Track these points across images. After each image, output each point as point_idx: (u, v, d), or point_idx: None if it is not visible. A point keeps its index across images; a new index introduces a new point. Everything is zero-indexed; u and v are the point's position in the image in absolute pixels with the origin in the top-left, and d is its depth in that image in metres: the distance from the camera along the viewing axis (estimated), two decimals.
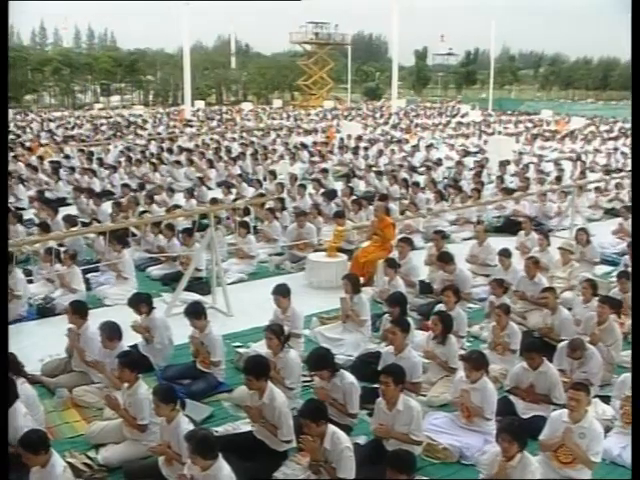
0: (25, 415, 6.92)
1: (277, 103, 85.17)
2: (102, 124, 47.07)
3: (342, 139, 34.56)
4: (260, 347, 8.88)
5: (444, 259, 11.55)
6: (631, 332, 8.49)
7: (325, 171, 22.73)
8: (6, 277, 8.32)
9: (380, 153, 29.03)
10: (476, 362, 7.45)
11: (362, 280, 11.40)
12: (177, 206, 16.74)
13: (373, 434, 7.17)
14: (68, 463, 6.50)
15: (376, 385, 7.42)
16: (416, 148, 31.04)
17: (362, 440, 7.39)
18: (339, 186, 20.15)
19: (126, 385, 7.47)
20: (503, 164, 24.45)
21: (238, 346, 9.88)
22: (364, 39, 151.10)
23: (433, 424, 7.64)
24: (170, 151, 29.15)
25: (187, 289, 11.68)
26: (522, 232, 14.28)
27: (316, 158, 27.52)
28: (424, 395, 8.34)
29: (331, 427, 6.37)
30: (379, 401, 7.08)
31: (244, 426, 7.69)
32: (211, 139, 36.25)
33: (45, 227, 13.80)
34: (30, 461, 6.03)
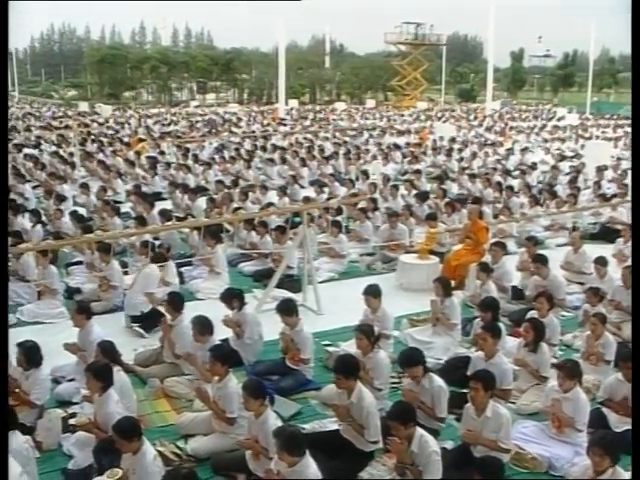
0: (117, 402, 7.13)
1: (370, 103, 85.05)
2: (197, 121, 47.93)
3: (435, 140, 34.34)
4: (350, 346, 8.89)
5: (539, 260, 11.33)
6: (631, 332, 8.25)
7: (418, 172, 22.63)
8: (6, 276, 8.45)
9: (474, 155, 28.68)
10: (570, 371, 7.29)
11: (453, 283, 11.29)
12: (270, 204, 16.91)
13: (461, 439, 7.09)
14: (158, 451, 6.61)
15: (465, 390, 7.36)
16: (510, 151, 30.57)
17: (449, 445, 7.32)
18: (432, 188, 20.01)
19: (216, 378, 7.58)
20: (600, 169, 23.79)
21: (327, 345, 9.91)
22: (459, 40, 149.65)
23: (522, 432, 7.50)
24: (264, 149, 29.48)
25: (278, 286, 11.79)
26: (620, 240, 13.90)
27: (409, 159, 27.38)
28: (513, 402, 8.20)
29: (419, 430, 6.33)
30: (468, 407, 7.00)
31: (331, 424, 7.72)
32: (304, 138, 36.45)
33: (142, 220, 14.13)
34: (123, 447, 6.18)
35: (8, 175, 16.98)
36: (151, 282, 11.15)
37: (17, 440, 6.42)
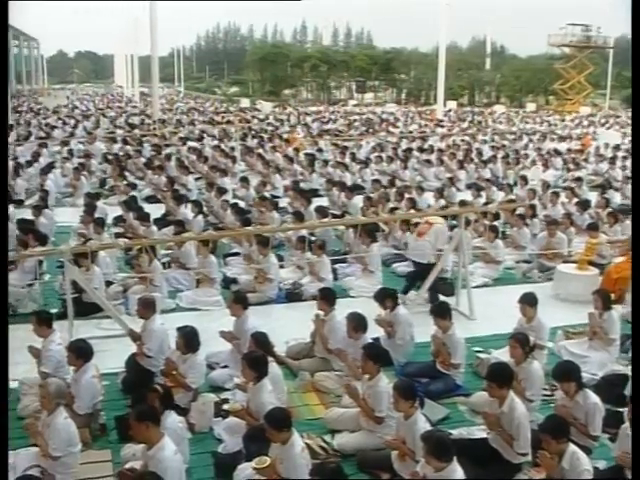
0: (270, 392, 7.30)
1: (530, 107, 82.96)
2: (355, 120, 48.27)
3: (598, 147, 33.09)
4: (502, 354, 8.77)
5: None
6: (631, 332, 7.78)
7: (579, 180, 21.89)
8: (6, 276, 8.56)
9: None
10: None
11: (613, 297, 10.87)
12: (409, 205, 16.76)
13: (615, 461, 6.81)
14: (305, 444, 6.68)
15: (620, 409, 7.09)
16: None
17: (601, 465, 7.04)
18: (593, 196, 19.33)
19: (367, 376, 7.63)
20: None
21: (478, 351, 9.80)
22: (627, 42, 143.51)
23: None
24: (421, 150, 29.35)
25: (431, 289, 11.74)
26: None
27: (570, 166, 26.57)
28: None
29: (571, 446, 6.16)
30: (625, 427, 6.70)
31: (479, 432, 7.60)
32: (462, 140, 36.03)
33: (299, 216, 14.40)
34: (273, 437, 6.32)
35: (7, 175, 17.46)
36: (442, 238, 11.77)
37: (172, 420, 6.74)
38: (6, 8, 8.47)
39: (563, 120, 59.09)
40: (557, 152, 30.04)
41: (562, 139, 38.94)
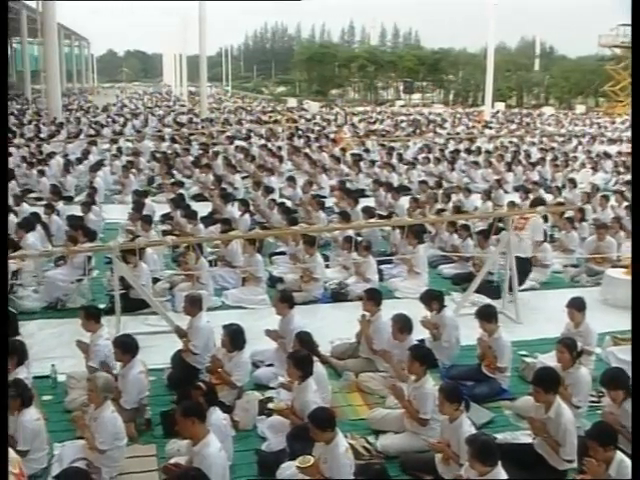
0: (315, 392, 7.32)
1: (580, 109, 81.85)
2: (402, 121, 48.11)
3: None
4: (548, 359, 8.66)
5: None
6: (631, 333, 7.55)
7: (629, 183, 21.49)
8: (6, 275, 8.46)
9: None
10: None
11: None
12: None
13: None
14: (349, 444, 6.66)
15: None
16: None
17: None
18: None
19: (413, 378, 7.61)
20: None
21: (524, 355, 9.68)
22: None
23: None
24: (468, 151, 29.13)
25: (477, 291, 11.61)
26: None
27: (620, 169, 26.14)
28: None
29: (619, 454, 6.06)
30: None
31: (524, 437, 7.53)
32: (510, 142, 35.72)
33: (346, 216, 14.39)
34: (316, 436, 6.33)
35: (7, 175, 17.50)
36: (539, 231, 12.38)
37: (216, 417, 6.79)
38: (6, 8, 8.58)
39: (613, 122, 58.07)
40: (607, 155, 29.57)
41: (612, 142, 38.32)
